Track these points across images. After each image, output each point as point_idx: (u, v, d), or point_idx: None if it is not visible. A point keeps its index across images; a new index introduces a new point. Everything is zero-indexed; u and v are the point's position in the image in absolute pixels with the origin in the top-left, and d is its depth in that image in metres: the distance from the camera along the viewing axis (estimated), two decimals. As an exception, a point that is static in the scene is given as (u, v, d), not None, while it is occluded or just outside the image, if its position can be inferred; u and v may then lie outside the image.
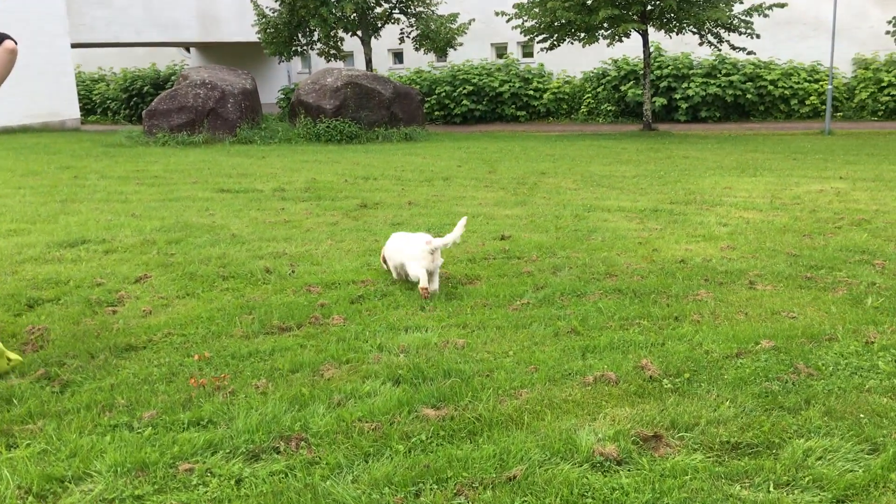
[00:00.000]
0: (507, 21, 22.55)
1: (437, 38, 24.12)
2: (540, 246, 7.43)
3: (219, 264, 6.80)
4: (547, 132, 24.86)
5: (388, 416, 3.77)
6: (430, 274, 5.90)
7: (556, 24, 21.44)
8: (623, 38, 21.96)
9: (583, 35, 21.57)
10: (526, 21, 22.10)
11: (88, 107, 38.82)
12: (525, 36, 22.54)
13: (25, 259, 6.97)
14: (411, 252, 5.90)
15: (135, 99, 37.27)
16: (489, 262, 6.88)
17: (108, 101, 38.58)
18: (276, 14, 24.30)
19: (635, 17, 20.88)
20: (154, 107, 18.98)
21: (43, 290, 6.06)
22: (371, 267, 6.72)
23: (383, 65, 34.00)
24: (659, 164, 14.38)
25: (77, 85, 30.75)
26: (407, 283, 6.12)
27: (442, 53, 25.13)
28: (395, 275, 6.24)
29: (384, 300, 5.77)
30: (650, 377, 4.23)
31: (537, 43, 22.78)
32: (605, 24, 20.78)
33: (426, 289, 5.78)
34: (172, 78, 37.36)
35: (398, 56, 34.82)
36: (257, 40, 32.63)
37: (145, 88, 37.05)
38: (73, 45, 27.18)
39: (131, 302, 5.78)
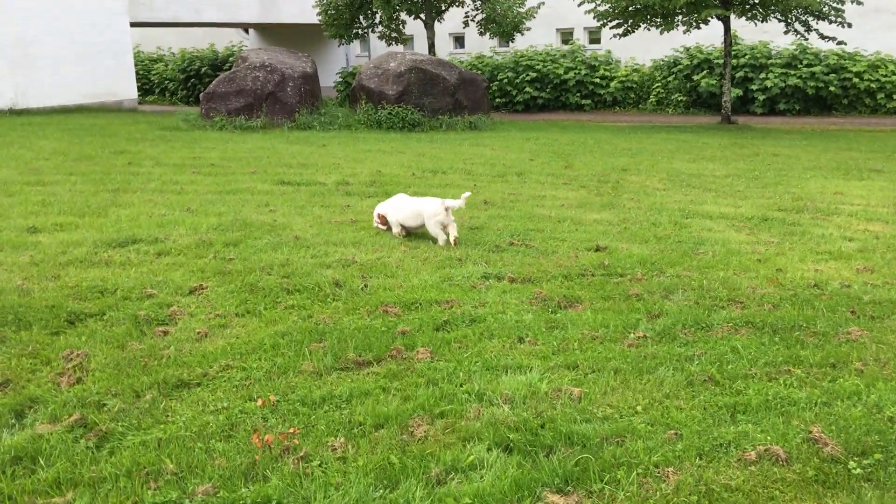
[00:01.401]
0: (579, 5, 21.45)
1: (504, 22, 23.08)
2: (643, 260, 6.50)
3: (282, 273, 6.03)
4: (614, 122, 23.71)
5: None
6: (446, 225, 7.08)
7: (631, 8, 20.26)
8: (700, 25, 20.69)
9: (659, 21, 20.35)
10: (599, 5, 20.95)
11: (146, 87, 38.69)
12: (598, 21, 21.39)
13: (70, 260, 6.30)
14: (430, 211, 7.06)
15: (192, 80, 36.97)
16: (588, 280, 5.98)
17: (166, 82, 38.36)
18: (338, -5, 23.59)
19: (717, 2, 19.59)
20: (212, 89, 18.40)
21: (86, 300, 5.36)
22: (453, 283, 5.88)
23: (444, 49, 33.06)
24: (748, 161, 13.25)
25: (135, 65, 30.51)
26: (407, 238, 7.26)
27: (508, 38, 24.10)
28: (395, 231, 7.40)
29: (474, 327, 4.93)
30: (830, 456, 3.32)
31: (610, 28, 21.61)
32: (685, 10, 19.54)
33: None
34: (230, 59, 36.97)
35: (459, 40, 33.85)
36: (316, 22, 32.03)
37: (203, 69, 36.71)
38: (133, 25, 26.82)
39: (184, 320, 5.03)
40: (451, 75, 18.93)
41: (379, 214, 7.59)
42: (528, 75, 29.68)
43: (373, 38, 28.82)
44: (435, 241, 7.14)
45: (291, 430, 3.52)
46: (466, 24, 24.85)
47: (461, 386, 4.02)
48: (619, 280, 6.01)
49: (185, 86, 37.28)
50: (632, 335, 4.81)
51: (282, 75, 18.35)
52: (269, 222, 7.84)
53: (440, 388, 3.99)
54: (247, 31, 37.22)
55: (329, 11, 23.56)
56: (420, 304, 5.35)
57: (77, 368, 4.19)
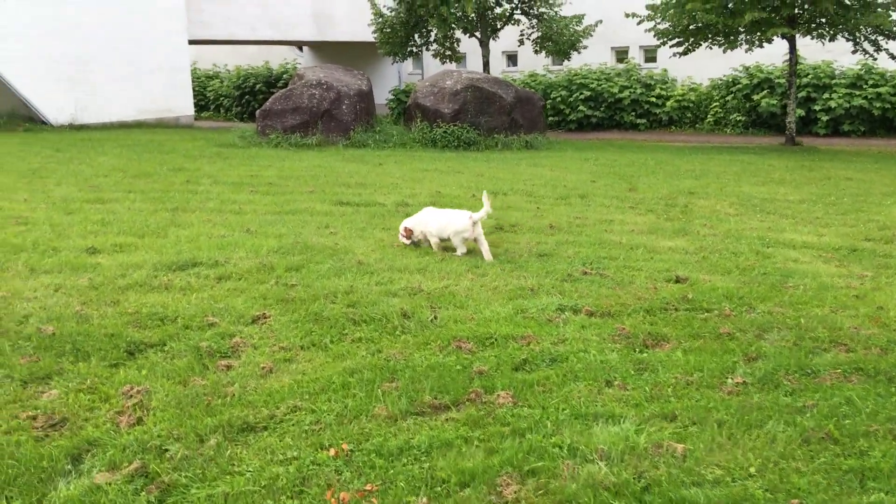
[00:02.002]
0: (639, 23, 20.99)
1: (561, 40, 22.73)
2: (728, 294, 6.07)
3: (347, 302, 5.74)
4: (671, 142, 23.14)
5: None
6: (476, 240, 7.28)
7: (692, 27, 19.76)
8: (763, 44, 20.08)
9: (721, 39, 19.80)
10: (659, 23, 20.49)
11: (202, 103, 39.17)
12: (657, 39, 20.91)
13: (130, 284, 6.10)
14: (458, 226, 7.25)
15: (247, 96, 37.32)
16: (672, 316, 5.58)
17: (221, 98, 38.81)
18: (393, 13, 23.47)
19: (783, 21, 18.98)
20: (268, 107, 18.38)
21: (146, 328, 5.13)
22: (528, 315, 5.53)
23: (497, 67, 32.81)
24: (820, 186, 12.66)
25: (192, 81, 30.86)
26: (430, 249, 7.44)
27: (565, 57, 23.74)
28: (429, 243, 7.52)
29: (556, 367, 4.57)
30: None
31: (669, 47, 21.10)
32: (749, 28, 18.96)
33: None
34: (284, 76, 37.25)
35: (512, 58, 33.60)
36: (369, 40, 32.08)
37: (257, 86, 37.04)
38: (191, 42, 27.15)
39: (248, 353, 4.76)
40: (508, 94, 18.63)
41: (406, 228, 7.62)
42: (581, 94, 29.26)
43: (426, 55, 28.74)
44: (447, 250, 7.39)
45: (368, 488, 3.20)
46: (521, 42, 24.56)
47: (550, 438, 3.66)
48: (705, 316, 5.59)
49: (239, 102, 37.65)
50: (730, 381, 4.40)
51: (338, 93, 18.25)
52: (330, 245, 7.58)
53: (527, 440, 3.63)
54: (301, 49, 37.52)
55: (384, 29, 23.49)
56: (495, 340, 5.01)
57: (137, 407, 3.93)
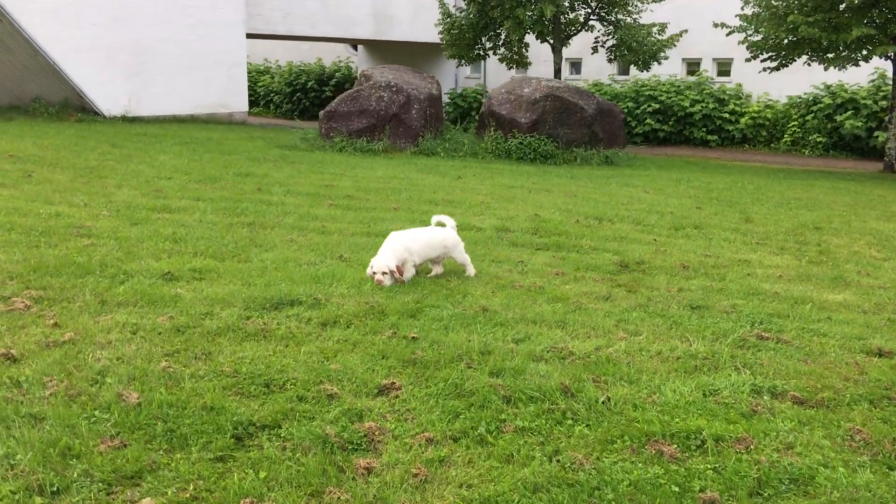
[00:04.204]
0: (728, 34, 19.68)
1: (641, 49, 21.43)
2: (959, 379, 4.85)
3: (487, 368, 4.63)
4: (748, 161, 21.80)
5: None
6: (438, 259, 6.71)
7: (788, 40, 18.39)
8: (860, 63, 18.65)
9: (821, 55, 18.41)
10: (751, 35, 19.15)
11: (252, 98, 38.35)
12: (749, 51, 19.55)
13: (220, 328, 5.03)
14: (454, 241, 6.67)
15: (298, 94, 36.53)
16: (906, 410, 4.37)
17: (272, 95, 38.06)
18: (463, 14, 22.36)
19: (887, 40, 17.54)
20: (333, 108, 17.36)
21: (252, 399, 4.06)
22: (720, 399, 4.36)
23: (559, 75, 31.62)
24: (954, 224, 11.30)
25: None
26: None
27: (645, 67, 22.45)
28: (408, 277, 6.41)
29: (805, 496, 3.40)
30: None
31: (761, 61, 19.73)
32: (853, 45, 17.55)
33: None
34: (337, 75, 36.43)
35: (575, 66, 32.30)
36: (428, 41, 31.04)
37: (309, 84, 36.24)
38: (248, 36, 26.30)
39: (388, 446, 3.66)
40: (589, 105, 17.42)
41: (391, 269, 6.23)
42: (650, 106, 27.95)
43: (488, 60, 27.57)
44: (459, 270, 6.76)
45: None
46: (595, 49, 23.31)
47: None
48: (947, 413, 4.38)
49: (290, 99, 36.87)
50: None
51: (407, 96, 17.19)
52: (440, 283, 6.48)
53: None
54: (355, 48, 36.60)
55: (452, 31, 22.39)
56: (702, 442, 3.85)
57: (267, 543, 2.85)
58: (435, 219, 6.82)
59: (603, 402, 4.26)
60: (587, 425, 4.01)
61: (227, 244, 7.40)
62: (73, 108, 21.47)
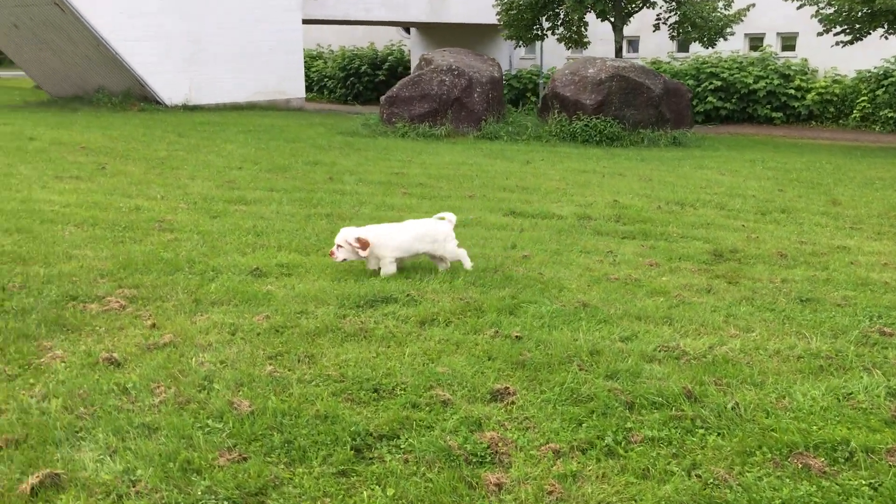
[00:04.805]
0: (799, 8, 18.95)
1: (707, 26, 20.74)
2: None
3: (601, 370, 4.40)
4: (816, 139, 21.04)
5: None
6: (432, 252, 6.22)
7: (864, 11, 17.59)
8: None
9: (900, 27, 17.63)
10: (823, 8, 18.39)
11: (305, 84, 38.47)
12: (822, 25, 18.79)
13: (318, 328, 4.88)
14: (447, 233, 6.16)
15: (352, 78, 36.42)
16: None
17: (325, 80, 38.03)
18: (520, -7, 21.95)
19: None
20: (395, 93, 17.17)
21: (364, 406, 3.89)
22: (857, 405, 4.07)
23: (613, 53, 30.95)
24: None
25: (299, 62, 30.06)
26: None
27: (710, 44, 21.75)
28: (390, 268, 6.04)
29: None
30: None
31: (834, 35, 18.95)
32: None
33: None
34: (390, 58, 36.24)
35: (632, 44, 31.57)
36: (482, 22, 30.62)
37: (363, 68, 36.11)
38: (304, 22, 26.23)
39: (515, 459, 3.47)
40: (656, 85, 16.93)
41: (358, 238, 5.85)
42: (711, 84, 27.18)
43: (544, 41, 27.07)
44: (447, 265, 6.28)
45: None
46: (657, 26, 22.67)
47: None
48: None
49: (343, 84, 36.79)
50: None
51: (469, 80, 16.92)
52: (533, 277, 6.25)
53: None
54: (408, 31, 36.33)
55: (510, 11, 21.98)
56: (850, 453, 3.57)
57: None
58: (437, 216, 6.36)
59: (732, 409, 4.00)
60: (719, 434, 3.76)
61: (308, 237, 7.28)
62: (135, 97, 21.68)
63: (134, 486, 3.13)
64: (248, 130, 16.23)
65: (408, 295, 5.59)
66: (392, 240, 6.03)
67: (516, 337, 4.89)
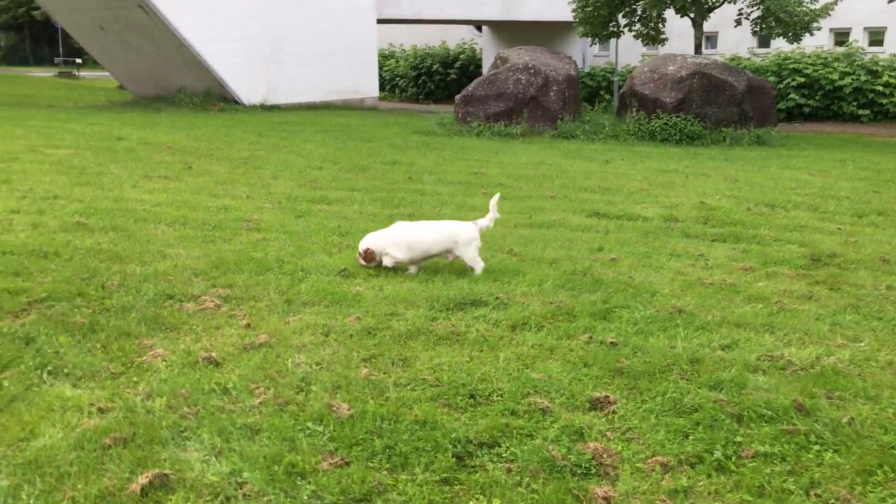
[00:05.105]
0: (890, 2, 18.15)
1: (791, 20, 20.07)
2: None
3: (704, 379, 4.24)
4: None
5: None
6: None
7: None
8: None
9: None
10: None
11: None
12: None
13: (410, 331, 4.85)
14: (468, 235, 6.04)
15: (423, 77, 36.54)
16: None
17: (397, 79, 38.25)
18: (598, -10, 21.62)
19: None
20: (470, 91, 17.13)
21: (462, 412, 3.84)
22: None
23: (690, 49, 30.27)
24: None
25: (372, 62, 30.28)
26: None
27: (795, 39, 21.05)
28: (390, 264, 6.04)
29: None
30: None
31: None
32: None
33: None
34: (462, 57, 36.24)
35: (710, 40, 30.81)
36: (555, 20, 30.32)
37: (434, 67, 36.21)
38: (378, 21, 26.42)
39: (622, 472, 3.36)
40: (739, 82, 16.46)
41: (367, 250, 6.03)
42: (794, 80, 26.32)
43: (618, 38, 26.64)
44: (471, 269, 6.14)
45: None
46: (739, 21, 22.05)
47: None
48: None
49: (415, 83, 36.93)
50: None
51: (545, 78, 16.75)
52: (623, 280, 6.11)
53: None
54: (479, 29, 36.24)
55: (586, 8, 21.68)
56: (982, 477, 3.36)
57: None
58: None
59: (848, 424, 3.80)
60: (836, 451, 3.58)
61: (393, 238, 7.26)
62: (214, 97, 22.16)
63: (241, 489, 3.14)
64: (325, 130, 16.41)
65: (496, 298, 5.52)
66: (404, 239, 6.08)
67: (611, 343, 4.77)
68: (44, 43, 63.37)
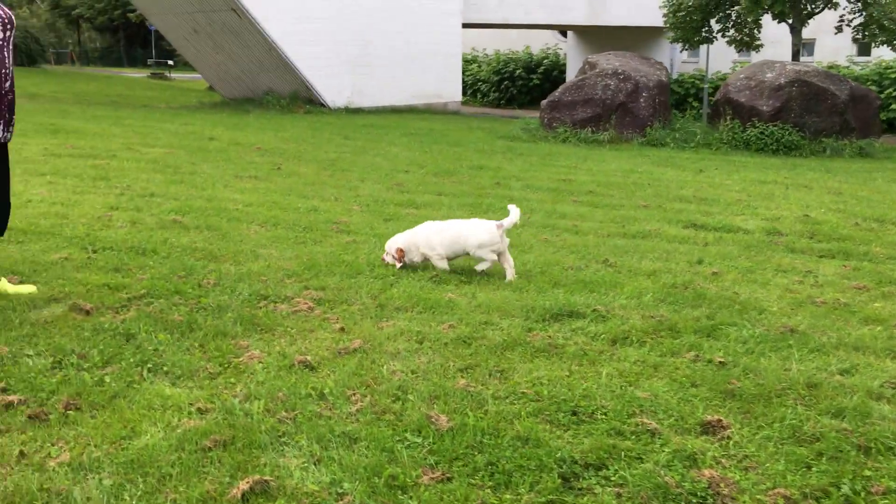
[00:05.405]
0: None
1: (894, 27, 19.13)
2: None
3: (824, 406, 3.96)
4: None
5: None
6: (501, 253, 6.00)
7: None
8: None
9: None
10: None
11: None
12: None
13: (506, 342, 4.71)
14: (485, 237, 5.95)
15: (506, 82, 36.40)
16: None
17: (479, 83, 38.19)
18: (691, -5, 21.09)
19: None
20: (557, 97, 16.90)
21: (564, 429, 3.66)
22: None
23: (786, 56, 29.25)
24: None
25: (455, 66, 30.26)
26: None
27: (899, 46, 20.14)
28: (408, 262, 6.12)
29: None
30: None
31: None
32: None
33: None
34: (545, 62, 35.95)
35: (807, 47, 29.73)
36: (642, 24, 29.76)
37: (517, 72, 36.02)
38: (464, 26, 26.42)
39: (738, 502, 3.14)
40: (842, 91, 15.76)
41: (398, 249, 6.09)
42: (896, 90, 25.15)
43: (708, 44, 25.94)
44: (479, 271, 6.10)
45: None
46: (840, 28, 21.18)
47: None
48: None
49: (497, 87, 36.82)
50: None
51: (635, 84, 16.38)
52: (727, 296, 5.82)
53: None
54: (564, 35, 35.89)
55: (678, 13, 21.17)
56: None
57: None
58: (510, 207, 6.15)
59: None
60: (978, 493, 3.27)
61: (484, 244, 7.13)
62: (301, 100, 22.52)
63: (341, 499, 3.04)
64: (409, 133, 16.43)
65: (594, 310, 5.32)
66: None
67: (720, 363, 4.52)
68: (137, 45, 65.73)
